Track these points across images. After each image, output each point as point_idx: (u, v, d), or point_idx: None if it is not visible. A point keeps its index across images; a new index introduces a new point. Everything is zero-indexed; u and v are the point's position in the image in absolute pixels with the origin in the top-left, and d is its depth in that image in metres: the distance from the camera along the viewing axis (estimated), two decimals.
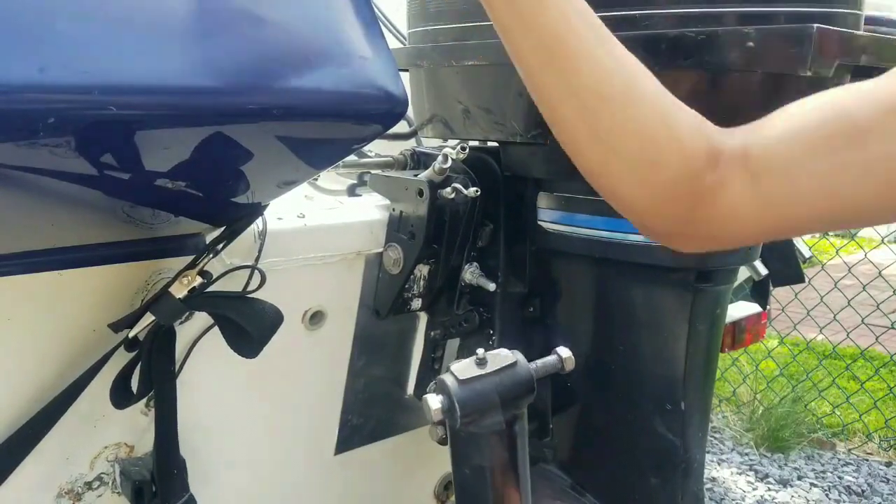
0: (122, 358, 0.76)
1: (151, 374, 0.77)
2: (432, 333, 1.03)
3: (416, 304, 0.98)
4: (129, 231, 0.69)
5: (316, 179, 1.06)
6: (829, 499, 2.18)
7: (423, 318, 1.05)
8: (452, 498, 1.32)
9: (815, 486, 2.23)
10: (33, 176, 0.51)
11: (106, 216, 0.65)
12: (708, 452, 2.34)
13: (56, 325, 0.75)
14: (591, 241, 0.89)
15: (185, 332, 0.81)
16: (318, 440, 1.04)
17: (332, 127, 0.58)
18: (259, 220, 0.79)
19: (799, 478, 2.27)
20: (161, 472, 0.82)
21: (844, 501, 2.17)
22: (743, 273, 1.41)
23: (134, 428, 0.85)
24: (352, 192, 1.08)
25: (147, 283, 0.77)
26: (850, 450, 2.50)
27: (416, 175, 0.93)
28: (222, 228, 0.75)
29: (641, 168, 0.54)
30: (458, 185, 0.88)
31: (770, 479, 2.23)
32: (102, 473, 0.85)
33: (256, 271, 0.77)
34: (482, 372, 0.57)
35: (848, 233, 4.73)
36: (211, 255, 0.75)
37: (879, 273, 2.94)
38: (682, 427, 0.96)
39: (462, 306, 1.00)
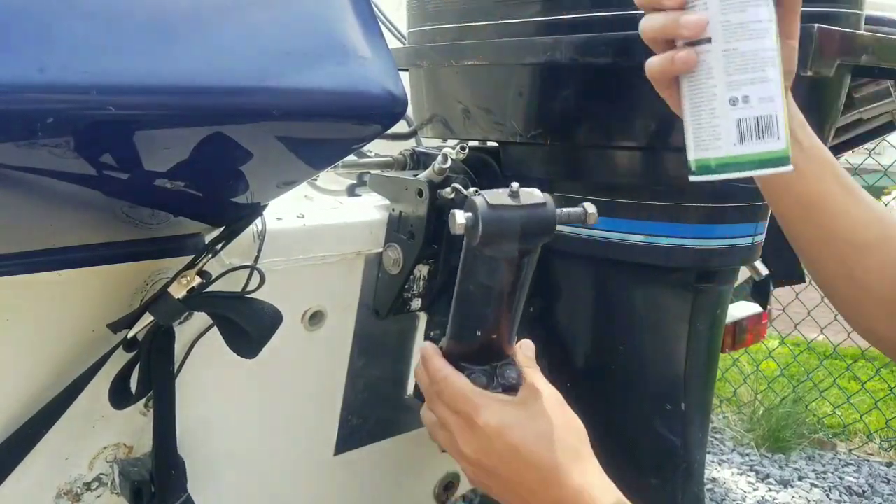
0: (120, 358, 0.76)
1: (150, 374, 0.77)
2: (432, 333, 1.03)
3: (416, 304, 0.98)
4: (129, 231, 0.69)
5: (316, 179, 1.06)
6: (830, 499, 2.18)
7: (423, 318, 1.05)
8: (453, 498, 1.32)
9: (816, 486, 2.23)
10: (33, 176, 0.51)
11: (105, 216, 0.65)
12: (708, 453, 2.34)
13: (55, 326, 0.75)
14: (591, 241, 0.89)
15: (185, 332, 0.81)
16: (318, 440, 1.04)
17: (331, 127, 0.57)
18: (258, 221, 0.79)
19: (800, 478, 2.27)
20: (160, 473, 0.82)
21: (845, 502, 2.17)
22: (744, 273, 1.41)
23: (133, 428, 0.85)
24: (351, 192, 1.08)
25: (146, 284, 0.77)
26: (850, 450, 2.50)
27: (415, 175, 0.93)
28: (221, 228, 0.75)
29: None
30: (458, 185, 0.88)
31: (771, 480, 2.23)
32: (101, 474, 0.85)
33: (256, 271, 0.77)
34: (512, 203, 0.60)
35: None
36: (210, 256, 0.74)
37: None
38: (682, 427, 0.96)
39: None
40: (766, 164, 0.58)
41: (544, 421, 0.63)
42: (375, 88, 0.55)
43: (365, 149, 1.04)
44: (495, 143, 0.99)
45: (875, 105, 1.05)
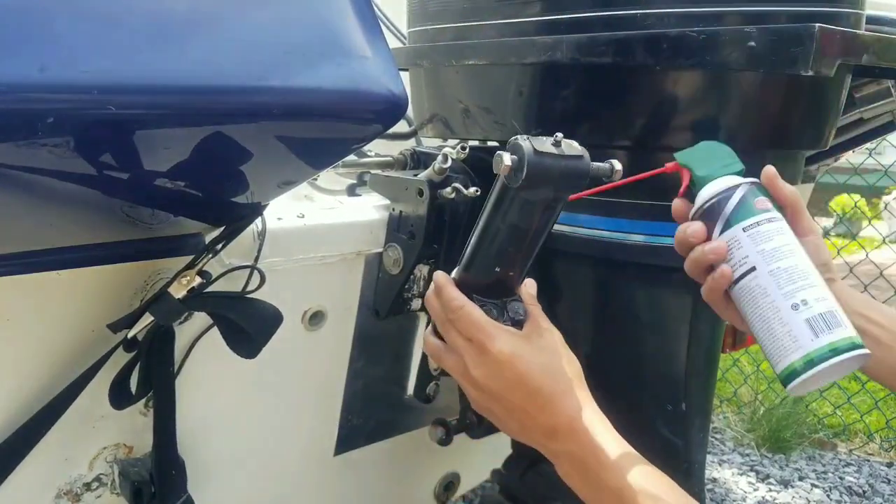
0: (120, 358, 0.76)
1: (150, 374, 0.77)
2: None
3: (416, 304, 0.98)
4: (129, 231, 0.69)
5: (316, 179, 1.06)
6: (831, 499, 2.18)
7: (423, 318, 1.05)
8: (453, 498, 1.32)
9: (817, 486, 2.23)
10: (33, 176, 0.51)
11: (105, 216, 0.64)
12: (709, 453, 2.34)
13: (55, 326, 0.75)
14: (592, 241, 0.89)
15: (185, 332, 0.81)
16: (318, 440, 1.04)
17: (331, 127, 0.57)
18: (259, 220, 0.79)
19: (800, 478, 2.26)
20: (160, 473, 0.82)
21: (846, 502, 2.17)
22: None
23: (133, 428, 0.85)
24: (352, 192, 1.08)
25: (146, 284, 0.77)
26: (851, 450, 2.50)
27: (415, 175, 0.93)
28: (222, 228, 0.75)
29: None
30: (458, 185, 0.88)
31: (771, 480, 2.23)
32: (101, 474, 0.85)
33: (256, 271, 0.77)
34: (555, 151, 0.64)
35: (849, 232, 4.73)
36: (210, 256, 0.74)
37: (881, 273, 2.94)
38: (683, 427, 0.96)
39: None
40: (844, 350, 0.64)
41: (548, 355, 0.70)
42: (376, 88, 0.55)
43: (365, 149, 1.03)
44: (495, 143, 0.99)
45: (876, 105, 1.05)
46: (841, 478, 2.30)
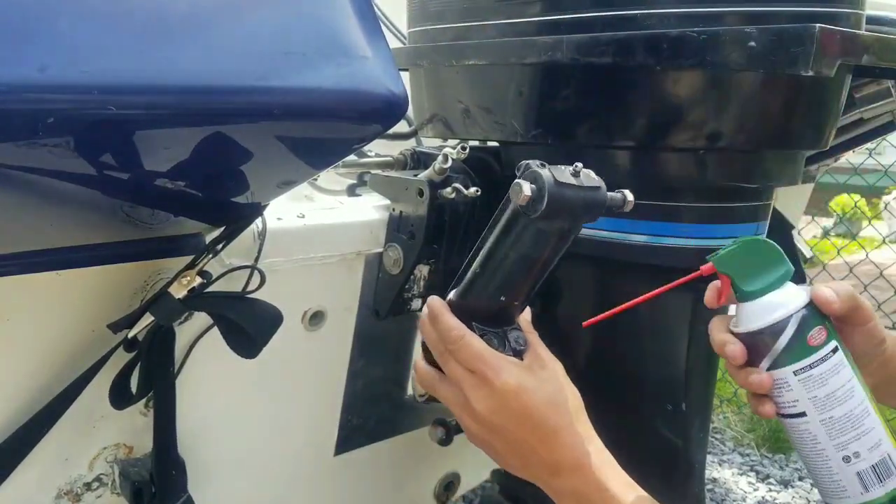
0: (121, 358, 0.76)
1: (151, 374, 0.77)
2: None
3: (416, 304, 0.98)
4: (129, 231, 0.69)
5: (316, 179, 1.06)
6: None
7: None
8: (453, 498, 1.32)
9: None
10: (33, 176, 0.51)
11: (106, 216, 0.64)
12: (709, 453, 2.34)
13: (55, 326, 0.75)
14: (592, 241, 0.89)
15: (185, 332, 0.81)
16: (318, 440, 1.04)
17: (332, 127, 0.57)
18: (259, 220, 0.79)
19: (800, 478, 2.26)
20: (160, 473, 0.82)
21: None
22: None
23: (133, 429, 0.85)
24: (352, 192, 1.08)
25: (146, 284, 0.77)
26: None
27: (416, 175, 0.93)
28: (222, 228, 0.75)
29: None
30: (458, 185, 0.88)
31: (771, 480, 2.23)
32: (101, 474, 0.85)
33: (256, 271, 0.77)
34: (575, 182, 0.62)
35: (849, 233, 4.73)
36: (210, 256, 0.74)
37: (881, 273, 2.94)
38: (683, 428, 0.96)
39: None
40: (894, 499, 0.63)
41: (551, 387, 0.68)
42: (376, 88, 0.55)
43: (365, 149, 1.03)
44: (495, 143, 0.99)
45: (876, 105, 1.05)
46: None
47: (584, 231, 0.90)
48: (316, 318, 0.93)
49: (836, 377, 0.63)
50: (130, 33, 0.47)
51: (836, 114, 0.86)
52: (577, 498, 0.64)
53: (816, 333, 0.64)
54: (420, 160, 1.04)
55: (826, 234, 5.23)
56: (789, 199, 1.55)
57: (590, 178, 0.63)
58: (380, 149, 1.10)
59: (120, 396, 0.78)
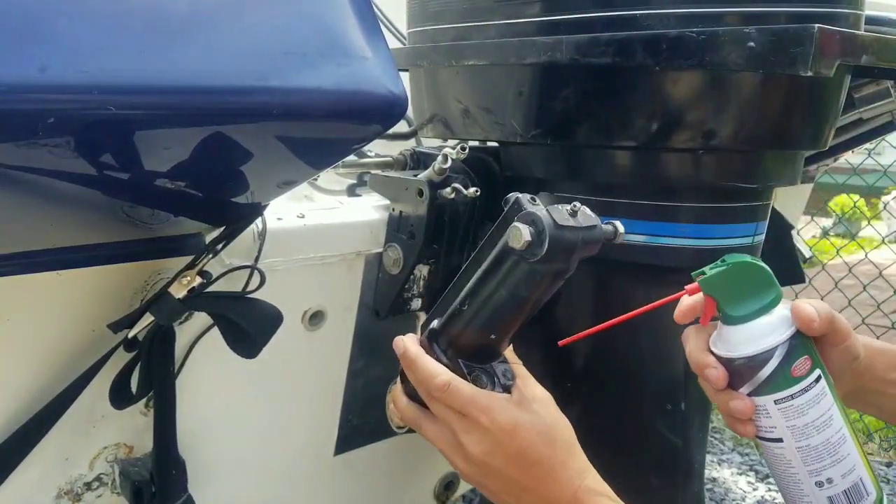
0: (121, 358, 0.76)
1: (151, 374, 0.77)
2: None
3: (416, 304, 0.98)
4: (129, 231, 0.69)
5: (316, 179, 1.06)
6: None
7: (422, 318, 1.05)
8: (453, 498, 1.32)
9: None
10: (33, 176, 0.51)
11: (106, 216, 0.64)
12: (708, 453, 2.34)
13: (55, 325, 0.75)
14: None
15: (185, 332, 0.81)
16: (318, 440, 1.04)
17: (332, 127, 0.57)
18: (259, 221, 0.79)
19: None
20: (160, 473, 0.82)
21: None
22: None
23: (133, 428, 0.85)
24: (352, 192, 1.08)
25: (146, 283, 0.77)
26: None
27: (416, 175, 0.93)
28: (222, 228, 0.75)
29: None
30: (458, 185, 0.88)
31: (770, 480, 2.23)
32: (102, 474, 0.85)
33: (256, 271, 0.77)
34: (573, 223, 0.60)
35: (849, 232, 4.73)
36: (210, 256, 0.74)
37: (880, 273, 2.94)
38: (682, 427, 0.96)
39: None
40: None
41: (543, 420, 0.66)
42: (375, 88, 0.55)
43: (365, 149, 1.03)
44: (495, 143, 0.99)
45: (875, 105, 1.05)
46: None
47: None
48: (316, 318, 0.94)
49: (817, 407, 0.63)
50: (130, 33, 0.47)
51: (836, 114, 0.86)
52: None
53: (801, 364, 0.62)
54: (420, 160, 1.04)
55: (825, 234, 5.23)
56: (789, 199, 1.55)
57: (587, 216, 0.61)
58: (380, 149, 1.10)
59: (120, 396, 0.78)
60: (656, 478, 0.98)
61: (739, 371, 0.64)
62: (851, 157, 2.68)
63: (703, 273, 0.64)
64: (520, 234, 0.59)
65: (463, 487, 1.33)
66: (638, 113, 0.82)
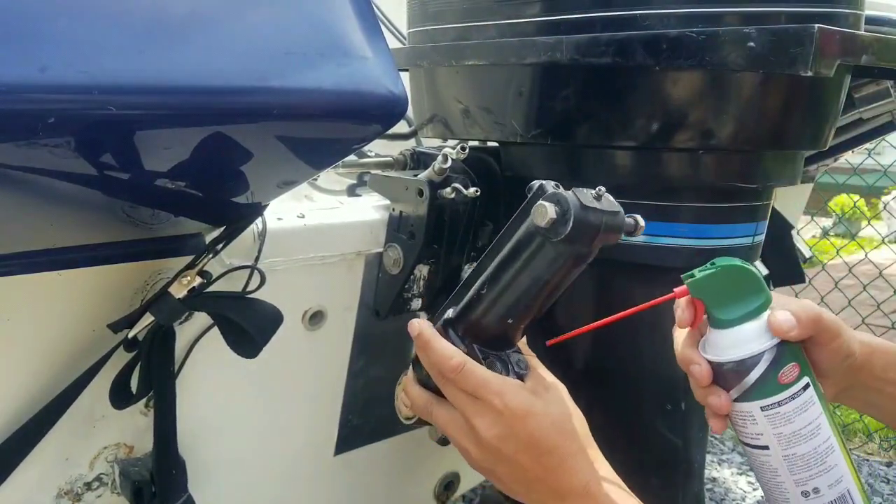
0: (121, 358, 0.76)
1: (151, 374, 0.77)
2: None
3: (416, 304, 0.98)
4: (129, 231, 0.69)
5: (316, 179, 1.06)
6: None
7: (423, 318, 1.04)
8: (453, 498, 1.32)
9: None
10: (33, 176, 0.51)
11: (106, 216, 0.65)
12: (708, 453, 2.33)
13: (55, 325, 0.75)
14: None
15: (185, 332, 0.81)
16: (318, 440, 1.04)
17: (332, 127, 0.57)
18: (259, 221, 0.79)
19: None
20: (160, 473, 0.82)
21: None
22: None
23: (133, 428, 0.85)
24: (352, 192, 1.08)
25: (147, 283, 0.77)
26: (850, 450, 2.50)
27: (416, 175, 0.93)
28: (222, 228, 0.75)
29: None
30: (458, 185, 0.88)
31: None
32: (102, 474, 0.85)
33: (256, 271, 0.77)
34: (598, 206, 0.60)
35: (849, 232, 4.73)
36: (211, 256, 0.74)
37: (880, 273, 2.94)
38: (682, 427, 0.96)
39: None
40: None
41: (558, 410, 0.65)
42: (375, 88, 0.55)
43: (365, 149, 1.03)
44: (495, 143, 0.99)
45: (875, 105, 1.05)
46: None
47: None
48: (316, 318, 0.94)
49: (804, 415, 0.62)
50: (130, 33, 0.47)
51: (836, 114, 0.86)
52: None
53: (789, 371, 0.62)
54: (420, 160, 1.04)
55: (825, 234, 5.24)
56: (788, 199, 1.55)
57: (610, 202, 0.62)
58: (380, 149, 1.10)
59: (120, 396, 0.78)
60: (656, 478, 0.98)
61: (726, 375, 0.63)
62: (851, 157, 2.68)
63: (693, 275, 0.63)
64: (545, 211, 0.59)
65: (463, 487, 1.33)
66: (638, 113, 0.82)
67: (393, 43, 0.89)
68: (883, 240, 3.80)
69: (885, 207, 5.05)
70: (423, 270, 0.95)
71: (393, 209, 0.95)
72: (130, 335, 0.74)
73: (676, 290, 0.64)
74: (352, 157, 1.04)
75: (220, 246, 0.75)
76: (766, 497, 0.66)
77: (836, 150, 1.33)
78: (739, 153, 0.84)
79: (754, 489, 2.19)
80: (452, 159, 0.86)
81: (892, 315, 2.85)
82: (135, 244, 0.72)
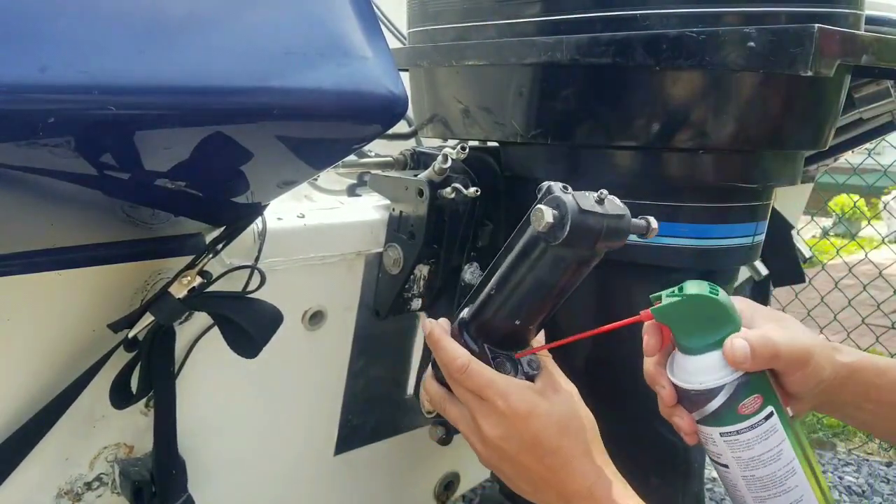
0: (121, 358, 0.76)
1: (151, 374, 0.77)
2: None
3: (416, 304, 0.98)
4: (129, 231, 0.69)
5: (316, 179, 1.06)
6: None
7: (423, 318, 1.05)
8: (452, 498, 1.32)
9: None
10: (33, 176, 0.51)
11: (106, 216, 0.65)
12: None
13: (55, 325, 0.75)
14: None
15: (185, 332, 0.81)
16: (318, 440, 1.04)
17: (332, 127, 0.57)
18: (259, 220, 0.79)
19: None
20: (160, 473, 0.82)
21: (845, 501, 2.17)
22: (743, 273, 1.41)
23: (133, 428, 0.85)
24: (352, 192, 1.08)
25: (147, 283, 0.77)
26: (850, 450, 2.50)
27: (416, 175, 0.93)
28: (222, 228, 0.75)
29: None
30: (458, 185, 0.88)
31: None
32: (102, 474, 0.85)
33: (256, 271, 0.77)
34: (599, 210, 0.60)
35: (849, 232, 4.73)
36: (211, 255, 0.74)
37: (880, 273, 2.94)
38: None
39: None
40: None
41: (564, 411, 0.65)
42: (376, 88, 0.55)
43: (365, 149, 1.03)
44: (495, 143, 0.99)
45: (875, 105, 1.05)
46: (840, 477, 2.30)
47: None
48: (316, 318, 0.94)
49: (765, 442, 0.62)
50: (130, 33, 0.47)
51: (836, 114, 0.86)
52: None
53: (750, 403, 0.61)
54: (420, 160, 1.04)
55: (825, 233, 5.24)
56: (788, 199, 1.55)
57: (614, 205, 0.61)
58: (380, 149, 1.10)
59: (120, 396, 0.78)
60: (656, 478, 0.98)
61: (690, 398, 0.64)
62: (851, 157, 2.68)
63: (660, 297, 0.63)
64: (542, 215, 0.59)
65: (463, 487, 1.33)
66: (638, 113, 0.82)
67: (393, 43, 0.89)
68: (883, 240, 3.80)
69: (885, 207, 5.05)
70: (423, 270, 0.95)
71: (393, 209, 0.95)
72: (130, 335, 0.74)
73: (642, 312, 0.64)
74: (352, 157, 1.04)
75: (220, 246, 0.75)
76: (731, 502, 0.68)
77: (836, 150, 1.33)
78: (739, 153, 0.84)
79: None
80: (452, 159, 0.87)
81: (892, 315, 2.85)
82: (135, 244, 0.72)
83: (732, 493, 0.66)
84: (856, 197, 5.17)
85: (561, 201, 0.60)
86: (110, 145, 0.50)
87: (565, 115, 0.86)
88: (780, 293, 2.98)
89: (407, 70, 1.01)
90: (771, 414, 0.62)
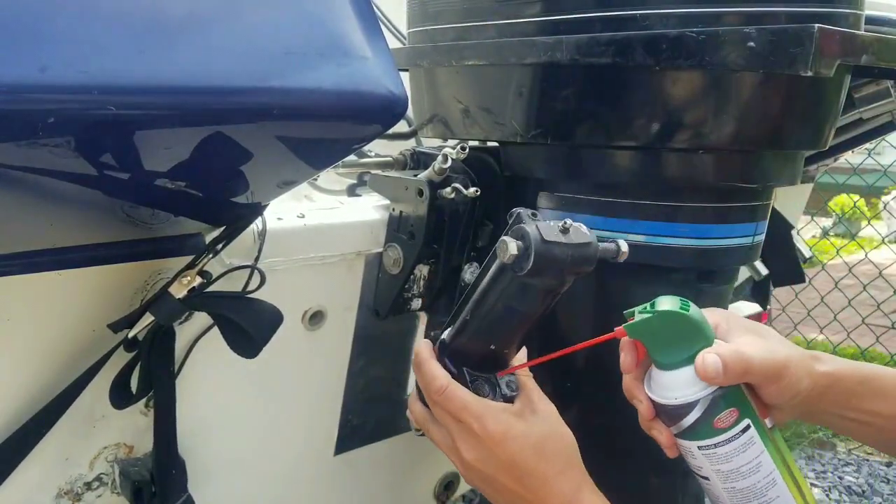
0: (121, 358, 0.76)
1: (151, 374, 0.77)
2: (432, 333, 1.03)
3: (416, 304, 0.98)
4: (129, 231, 0.69)
5: (316, 179, 1.06)
6: (830, 499, 2.18)
7: (423, 318, 1.05)
8: (452, 498, 1.32)
9: (816, 486, 2.23)
10: (33, 176, 0.51)
11: (106, 216, 0.65)
12: None
13: (55, 325, 0.75)
14: None
15: (185, 332, 0.81)
16: (318, 440, 1.04)
17: (332, 127, 0.58)
18: (259, 220, 0.79)
19: None
20: (160, 473, 0.82)
21: (845, 501, 2.17)
22: (743, 273, 1.41)
23: (133, 428, 0.85)
24: (352, 192, 1.08)
25: (146, 283, 0.77)
26: (850, 450, 2.50)
27: (415, 175, 0.93)
28: (222, 228, 0.75)
29: None
30: (458, 185, 0.88)
31: None
32: (102, 474, 0.85)
33: (256, 271, 0.77)
34: (563, 240, 0.60)
35: (849, 232, 4.74)
36: (210, 255, 0.75)
37: (880, 273, 2.94)
38: None
39: None
40: None
41: (541, 432, 0.66)
42: (375, 88, 0.55)
43: (365, 149, 1.04)
44: (495, 143, 0.99)
45: (875, 105, 1.05)
46: (840, 477, 2.30)
47: None
48: (316, 318, 0.94)
49: (743, 455, 0.62)
50: (130, 33, 0.47)
51: (836, 114, 0.86)
52: None
53: (726, 416, 0.62)
54: (420, 160, 1.04)
55: (825, 234, 5.24)
56: (788, 199, 1.55)
57: (579, 233, 0.62)
58: (380, 149, 1.10)
59: (120, 396, 0.78)
60: (656, 478, 0.98)
61: (667, 412, 0.64)
62: (851, 157, 2.68)
63: (633, 313, 0.64)
64: (506, 247, 0.60)
65: (463, 487, 1.33)
66: (638, 113, 0.82)
67: (393, 43, 0.89)
68: (883, 240, 3.80)
69: (885, 207, 5.05)
70: (423, 270, 0.95)
71: (393, 209, 0.95)
72: (130, 335, 0.74)
73: (617, 329, 0.65)
74: (352, 157, 1.04)
75: (220, 246, 0.75)
76: None
77: (836, 150, 1.33)
78: (739, 153, 0.84)
79: None
80: (452, 159, 0.87)
81: (893, 315, 2.85)
82: (135, 244, 0.72)
83: (715, 502, 0.66)
84: (856, 197, 5.18)
85: (525, 232, 0.60)
86: (110, 145, 0.50)
87: (565, 115, 0.86)
88: (780, 293, 2.98)
89: (407, 70, 1.01)
90: (748, 427, 0.62)
